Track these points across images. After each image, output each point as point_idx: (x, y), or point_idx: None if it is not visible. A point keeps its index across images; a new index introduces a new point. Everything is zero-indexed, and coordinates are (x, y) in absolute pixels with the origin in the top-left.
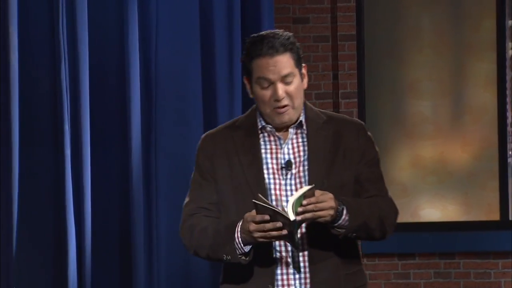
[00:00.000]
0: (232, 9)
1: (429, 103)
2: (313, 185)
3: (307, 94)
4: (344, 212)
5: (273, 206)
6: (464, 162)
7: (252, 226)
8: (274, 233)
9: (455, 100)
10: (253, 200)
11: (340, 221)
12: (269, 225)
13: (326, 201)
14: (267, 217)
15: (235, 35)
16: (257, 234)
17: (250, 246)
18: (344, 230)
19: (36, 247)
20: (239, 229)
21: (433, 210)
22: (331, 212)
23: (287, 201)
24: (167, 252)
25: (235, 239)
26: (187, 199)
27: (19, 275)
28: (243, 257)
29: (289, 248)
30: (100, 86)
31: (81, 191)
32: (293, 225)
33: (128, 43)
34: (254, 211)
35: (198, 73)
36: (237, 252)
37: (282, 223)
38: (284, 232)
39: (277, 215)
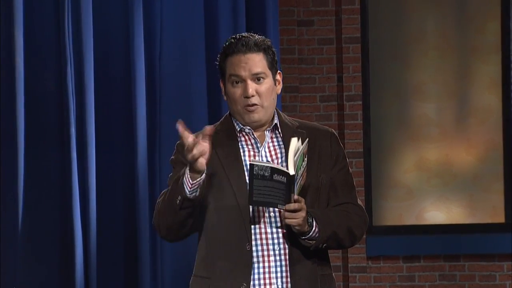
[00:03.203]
0: (237, 12)
1: (433, 105)
2: (307, 139)
3: (312, 96)
4: (314, 224)
5: (270, 163)
6: (469, 165)
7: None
8: (203, 146)
9: (459, 103)
10: (250, 162)
11: (310, 233)
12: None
13: (301, 210)
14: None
15: None
16: (189, 155)
17: (202, 177)
18: (314, 242)
19: (42, 248)
20: (187, 169)
21: (438, 213)
22: (301, 221)
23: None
24: (172, 252)
25: (184, 177)
26: (161, 195)
27: (25, 275)
28: (191, 193)
29: (270, 247)
30: (106, 88)
31: (87, 193)
32: (293, 180)
33: (133, 46)
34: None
35: (203, 75)
36: (186, 188)
37: (278, 184)
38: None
39: (275, 172)
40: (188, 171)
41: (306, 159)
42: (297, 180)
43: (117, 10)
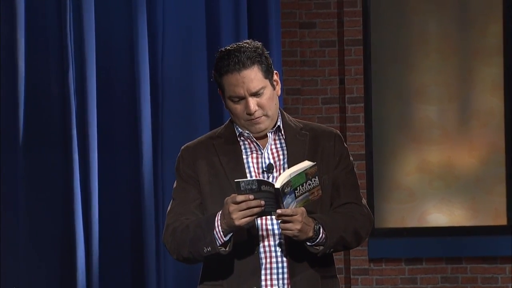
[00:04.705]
0: (239, 14)
1: (436, 107)
2: (315, 162)
3: (314, 98)
4: (321, 230)
5: (256, 179)
6: (471, 167)
7: (232, 207)
8: (256, 209)
9: (462, 105)
10: (235, 181)
11: (317, 240)
12: (253, 202)
13: (293, 222)
14: (251, 196)
15: (241, 41)
16: (236, 215)
17: (230, 235)
18: (322, 248)
19: (43, 250)
20: (219, 218)
21: (440, 215)
22: (296, 233)
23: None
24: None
25: (215, 228)
26: (170, 207)
27: (26, 277)
28: (223, 248)
29: (272, 249)
30: (108, 91)
31: (88, 194)
32: (278, 192)
33: (138, 49)
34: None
35: (205, 77)
36: (217, 242)
37: (268, 194)
38: (263, 203)
39: (262, 184)
40: (221, 225)
41: (315, 179)
42: (292, 193)
43: (120, 12)
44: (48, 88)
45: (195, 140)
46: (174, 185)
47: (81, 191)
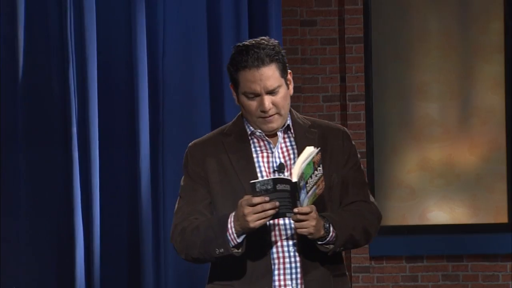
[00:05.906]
0: (240, 12)
1: (437, 105)
2: (319, 148)
3: (315, 97)
4: (331, 229)
5: (271, 178)
6: (472, 165)
7: (247, 209)
8: (271, 211)
9: (463, 103)
10: (251, 182)
11: (328, 238)
12: (268, 205)
13: (309, 219)
14: (267, 198)
15: (242, 38)
16: (251, 217)
17: (243, 237)
18: (332, 246)
19: (43, 250)
20: (232, 219)
21: (441, 213)
22: (311, 230)
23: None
24: (175, 254)
25: (228, 229)
26: (177, 205)
27: (26, 279)
28: (236, 250)
29: (285, 249)
30: (108, 88)
31: (89, 193)
32: (296, 187)
33: (136, 46)
34: (247, 196)
35: (205, 76)
36: (230, 244)
37: (283, 193)
38: (278, 204)
39: (277, 182)
40: (235, 227)
41: (320, 168)
42: (304, 188)
43: (120, 10)
44: (48, 86)
45: (203, 137)
46: (182, 183)
47: (81, 189)
